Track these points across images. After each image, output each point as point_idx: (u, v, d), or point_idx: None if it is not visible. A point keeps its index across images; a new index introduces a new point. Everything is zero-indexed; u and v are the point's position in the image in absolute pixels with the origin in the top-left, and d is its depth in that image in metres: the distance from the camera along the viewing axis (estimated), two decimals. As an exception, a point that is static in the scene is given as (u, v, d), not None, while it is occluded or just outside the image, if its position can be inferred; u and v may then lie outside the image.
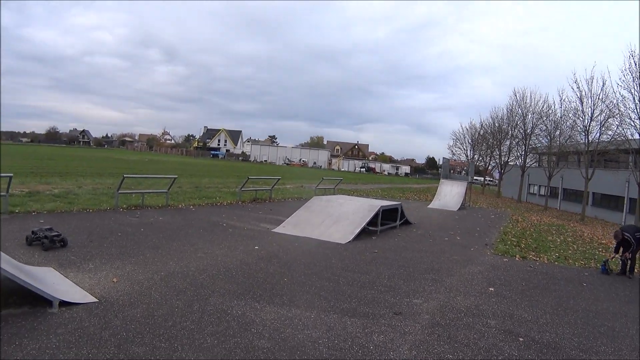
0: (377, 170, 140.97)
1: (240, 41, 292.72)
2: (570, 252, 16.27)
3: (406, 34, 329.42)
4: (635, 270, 13.19)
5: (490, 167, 72.04)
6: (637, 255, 13.17)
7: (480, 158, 67.01)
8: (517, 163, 57.83)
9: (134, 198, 18.28)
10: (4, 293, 6.29)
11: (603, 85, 33.62)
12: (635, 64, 28.50)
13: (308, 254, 11.52)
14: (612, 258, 13.64)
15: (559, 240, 19.58)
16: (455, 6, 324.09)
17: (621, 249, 13.12)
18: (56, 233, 9.78)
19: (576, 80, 37.17)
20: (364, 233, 14.70)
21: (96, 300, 6.77)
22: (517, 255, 14.16)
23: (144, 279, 8.04)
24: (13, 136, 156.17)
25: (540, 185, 57.56)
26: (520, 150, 56.30)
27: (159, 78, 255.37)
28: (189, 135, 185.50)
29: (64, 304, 6.33)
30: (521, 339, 6.75)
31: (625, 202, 38.43)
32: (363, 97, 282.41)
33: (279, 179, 28.18)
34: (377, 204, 16.41)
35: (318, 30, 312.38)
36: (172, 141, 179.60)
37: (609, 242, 20.94)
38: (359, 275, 9.79)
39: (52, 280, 7.24)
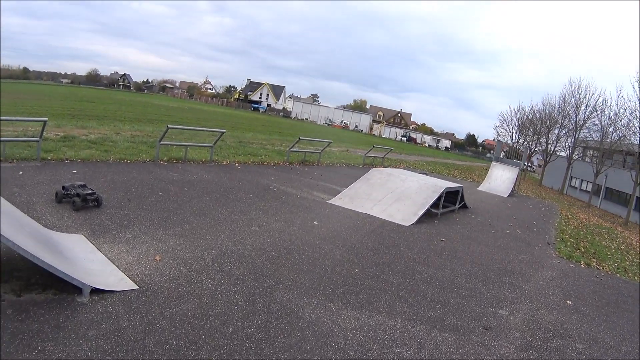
0: (418, 141, 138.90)
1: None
2: (627, 263, 15.33)
3: (459, 9, 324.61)
4: None
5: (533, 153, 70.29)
6: None
7: (526, 143, 65.02)
8: (564, 154, 55.91)
9: (175, 150, 17.14)
10: (25, 271, 5.32)
11: None
12: None
13: (372, 236, 10.71)
14: None
15: (612, 246, 18.51)
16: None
17: None
18: (90, 191, 8.70)
19: (638, 80, 35.13)
20: (425, 215, 13.80)
21: (136, 287, 5.71)
22: (582, 262, 13.33)
23: (193, 258, 6.96)
24: (54, 77, 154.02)
25: (582, 180, 55.76)
26: (569, 141, 54.41)
27: (205, 28, 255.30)
28: (230, 86, 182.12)
29: (96, 290, 5.27)
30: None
31: None
32: (409, 66, 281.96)
33: (330, 142, 27.18)
34: (441, 184, 15.54)
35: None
36: (214, 90, 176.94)
37: None
38: (434, 270, 9.05)
39: (83, 255, 6.22)
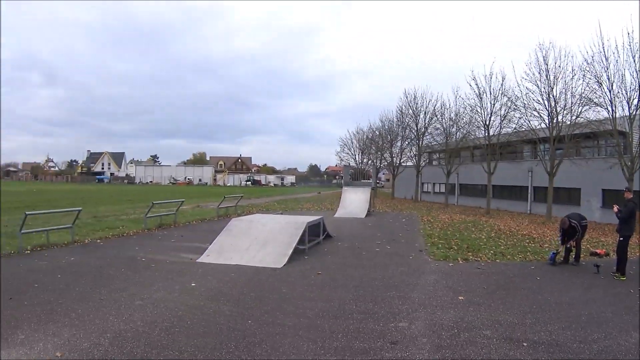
0: (263, 182, 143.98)
1: (118, 58, 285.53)
2: (502, 247, 16.80)
3: (284, 42, 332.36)
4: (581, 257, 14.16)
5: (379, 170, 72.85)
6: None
7: (370, 161, 67.32)
8: (411, 163, 58.45)
9: (36, 236, 16.49)
10: None
11: (503, 80, 35.42)
12: (544, 58, 30.02)
13: (251, 284, 10.65)
14: (562, 249, 14.12)
15: (483, 236, 20.18)
16: (332, 11, 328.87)
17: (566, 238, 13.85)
18: None
19: (474, 77, 38.15)
20: (295, 252, 13.96)
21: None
22: (459, 258, 14.33)
23: (91, 346, 6.62)
24: None
25: (435, 183, 59.08)
26: (413, 150, 57.36)
27: (40, 102, 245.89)
28: (72, 160, 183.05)
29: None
30: (525, 344, 6.91)
31: (529, 191, 40.51)
32: (242, 110, 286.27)
33: (182, 201, 27.16)
34: (302, 220, 15.81)
35: (196, 42, 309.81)
36: (56, 168, 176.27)
37: (529, 232, 22.18)
38: (322, 303, 9.14)
39: None
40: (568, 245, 13.78)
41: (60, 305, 8.64)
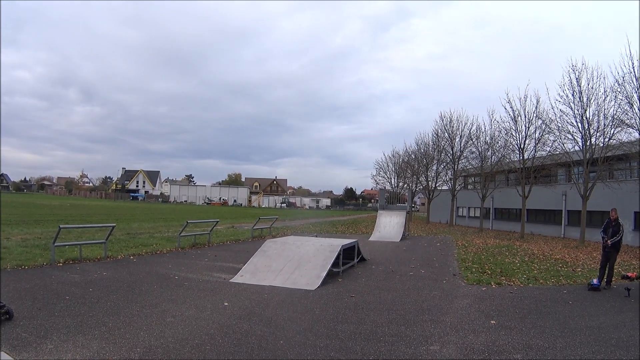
0: (298, 204, 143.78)
1: (156, 79, 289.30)
2: (535, 272, 16.65)
3: (321, 65, 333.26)
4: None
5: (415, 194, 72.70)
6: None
7: (406, 185, 67.20)
8: (446, 187, 58.47)
9: (69, 250, 16.95)
10: None
11: (537, 103, 35.26)
12: (577, 79, 29.99)
13: (284, 306, 10.72)
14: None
15: (516, 261, 19.98)
16: (370, 35, 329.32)
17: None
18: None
19: (509, 100, 38.15)
20: (328, 275, 14.01)
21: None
22: (492, 283, 14.25)
23: (120, 359, 6.79)
24: None
25: (469, 207, 58.83)
26: (449, 174, 57.43)
27: (76, 118, 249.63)
28: (106, 177, 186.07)
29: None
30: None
31: (563, 215, 40.18)
32: (278, 132, 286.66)
33: (217, 221, 27.32)
34: (337, 243, 15.93)
35: (233, 65, 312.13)
36: (90, 184, 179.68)
37: (562, 257, 21.97)
38: (354, 326, 9.15)
39: None
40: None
41: (90, 318, 8.83)
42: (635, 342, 8.17)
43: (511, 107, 37.01)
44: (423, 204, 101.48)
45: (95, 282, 12.46)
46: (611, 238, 13.78)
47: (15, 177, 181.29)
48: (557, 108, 31.94)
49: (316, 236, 22.98)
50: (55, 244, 15.25)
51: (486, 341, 8.10)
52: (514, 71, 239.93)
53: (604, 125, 29.31)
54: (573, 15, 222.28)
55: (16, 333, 7.63)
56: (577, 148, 31.99)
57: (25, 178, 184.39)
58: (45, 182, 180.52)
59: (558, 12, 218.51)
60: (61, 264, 15.05)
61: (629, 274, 15.11)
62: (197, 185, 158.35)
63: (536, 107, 35.08)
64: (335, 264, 14.72)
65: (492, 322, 9.51)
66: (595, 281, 13.61)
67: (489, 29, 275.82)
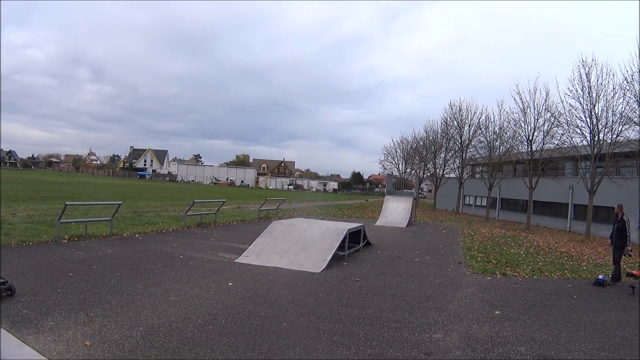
0: (305, 187, 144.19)
1: (167, 60, 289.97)
2: (540, 264, 16.55)
3: (331, 50, 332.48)
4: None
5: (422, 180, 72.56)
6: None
7: (413, 171, 67.11)
8: (454, 175, 58.26)
9: (74, 227, 16.89)
10: None
11: (547, 96, 35.01)
12: (586, 75, 29.69)
13: (288, 287, 10.69)
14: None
15: (522, 252, 19.88)
16: (381, 21, 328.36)
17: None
18: (1, 280, 8.15)
19: (519, 92, 38.04)
20: (333, 258, 13.96)
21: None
22: (497, 273, 14.15)
23: (123, 337, 6.64)
24: None
25: (476, 196, 58.52)
26: (456, 162, 57.20)
27: (86, 97, 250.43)
28: (114, 155, 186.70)
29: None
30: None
31: (569, 208, 39.95)
32: (287, 114, 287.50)
33: (224, 201, 27.39)
34: (343, 227, 15.85)
35: (243, 47, 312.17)
36: (98, 162, 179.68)
37: (568, 250, 21.88)
38: (358, 310, 9.11)
39: (9, 351, 5.67)
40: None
41: (93, 295, 8.80)
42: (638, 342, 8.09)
43: (521, 99, 36.87)
44: (430, 191, 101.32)
45: (100, 260, 12.43)
46: (616, 234, 13.75)
47: (23, 154, 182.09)
48: (567, 102, 32.20)
49: (322, 219, 22.97)
50: (61, 221, 15.19)
51: (490, 331, 8.04)
52: (524, 64, 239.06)
53: (612, 121, 29.21)
54: (582, 12, 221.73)
55: (17, 309, 7.60)
56: (585, 143, 31.86)
57: (33, 155, 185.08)
58: (53, 159, 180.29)
59: (571, 9, 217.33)
60: (66, 241, 14.97)
61: (634, 272, 15.03)
62: (204, 165, 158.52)
63: (545, 100, 34.91)
64: (341, 247, 14.67)
65: (496, 312, 9.45)
66: (601, 277, 13.56)
67: (498, 21, 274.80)
